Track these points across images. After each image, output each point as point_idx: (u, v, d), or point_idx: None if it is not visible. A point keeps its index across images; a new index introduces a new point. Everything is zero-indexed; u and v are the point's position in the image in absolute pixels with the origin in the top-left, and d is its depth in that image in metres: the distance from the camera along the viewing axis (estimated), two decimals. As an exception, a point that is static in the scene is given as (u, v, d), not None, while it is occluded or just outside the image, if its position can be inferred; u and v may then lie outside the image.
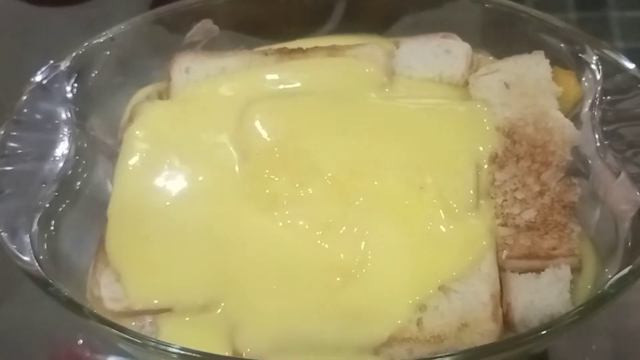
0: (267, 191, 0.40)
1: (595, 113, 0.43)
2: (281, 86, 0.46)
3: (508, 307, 0.37)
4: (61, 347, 0.47)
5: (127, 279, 0.39)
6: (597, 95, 0.43)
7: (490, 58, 0.48)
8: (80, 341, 0.47)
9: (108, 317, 0.36)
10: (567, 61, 0.46)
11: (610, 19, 0.64)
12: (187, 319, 0.38)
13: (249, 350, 0.36)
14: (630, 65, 0.43)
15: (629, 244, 0.38)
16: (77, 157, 0.43)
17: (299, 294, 0.37)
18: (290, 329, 0.37)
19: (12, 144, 0.42)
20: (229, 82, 0.46)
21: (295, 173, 0.41)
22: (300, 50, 0.47)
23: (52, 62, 0.45)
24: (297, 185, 0.40)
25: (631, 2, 0.64)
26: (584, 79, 0.45)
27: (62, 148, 0.43)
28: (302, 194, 0.40)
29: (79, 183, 0.43)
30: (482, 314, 0.37)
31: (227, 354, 0.36)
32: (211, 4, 0.49)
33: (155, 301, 0.38)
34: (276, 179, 0.41)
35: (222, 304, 0.38)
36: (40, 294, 0.37)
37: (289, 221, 0.39)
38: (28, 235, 0.38)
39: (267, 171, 0.41)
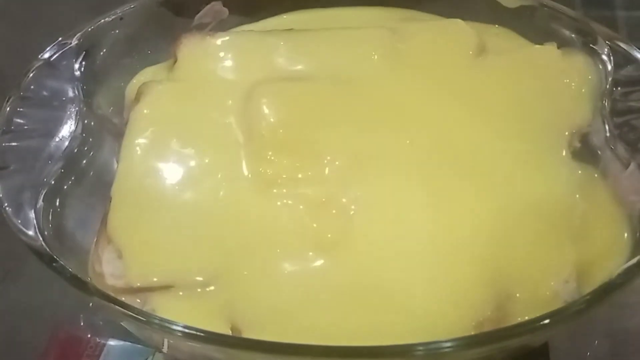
0: (269, 172, 0.40)
1: (606, 104, 0.43)
2: (289, 68, 0.46)
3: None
4: (62, 328, 0.47)
5: (128, 256, 0.39)
6: (608, 87, 0.43)
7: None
8: (82, 323, 0.47)
9: (109, 293, 0.36)
10: (579, 52, 0.45)
11: (617, 18, 0.64)
12: (181, 293, 0.38)
13: (246, 326, 0.36)
14: (642, 57, 0.44)
15: (637, 234, 0.38)
16: (84, 135, 0.43)
17: (289, 270, 0.38)
18: (284, 305, 0.37)
19: (18, 120, 0.42)
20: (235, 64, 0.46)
21: (297, 156, 0.41)
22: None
23: (60, 39, 0.45)
24: (297, 166, 0.40)
25: (639, 2, 0.64)
26: (595, 70, 0.44)
27: (69, 125, 0.43)
28: (300, 176, 0.40)
29: (84, 161, 0.43)
30: None
31: (226, 330, 0.36)
32: (220, -15, 0.49)
33: (155, 279, 0.38)
34: (277, 160, 0.41)
35: (220, 281, 0.38)
36: (42, 274, 0.36)
37: (285, 201, 0.39)
38: (33, 211, 0.38)
39: (269, 153, 0.41)
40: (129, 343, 0.46)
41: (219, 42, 0.47)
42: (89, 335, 0.46)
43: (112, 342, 0.46)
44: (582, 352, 0.44)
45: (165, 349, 0.41)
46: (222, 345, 0.33)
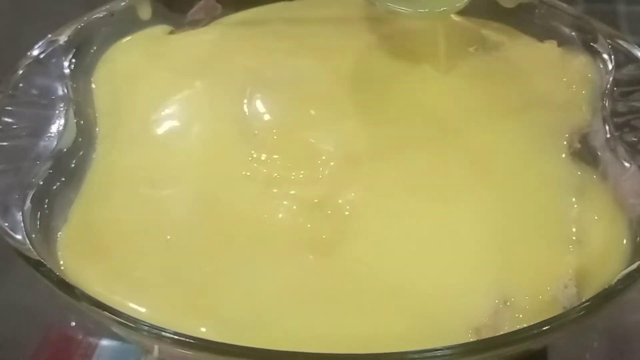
0: (262, 172, 0.40)
1: (607, 104, 0.42)
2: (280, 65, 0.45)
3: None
4: (53, 329, 0.47)
5: None
6: (608, 86, 0.42)
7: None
8: (73, 323, 0.47)
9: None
10: (579, 50, 0.45)
11: (619, 12, 0.63)
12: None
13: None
14: (644, 56, 0.43)
15: (638, 238, 0.37)
16: (73, 134, 0.42)
17: (282, 272, 0.37)
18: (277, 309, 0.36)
19: (6, 119, 0.41)
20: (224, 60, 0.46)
21: (290, 155, 0.40)
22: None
23: (49, 36, 0.44)
24: (290, 166, 0.40)
25: (640, -4, 0.64)
26: (595, 69, 0.44)
27: (58, 124, 0.42)
28: (293, 176, 0.40)
29: (74, 160, 0.42)
30: None
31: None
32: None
33: None
34: (270, 160, 0.40)
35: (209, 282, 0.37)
36: (32, 275, 0.35)
37: (278, 201, 0.39)
38: (20, 213, 0.37)
39: (262, 152, 0.40)
40: (122, 343, 0.45)
41: (208, 36, 0.46)
42: (80, 336, 0.46)
43: (104, 342, 0.46)
44: (580, 349, 0.44)
45: (155, 353, 0.40)
46: (211, 352, 0.32)
